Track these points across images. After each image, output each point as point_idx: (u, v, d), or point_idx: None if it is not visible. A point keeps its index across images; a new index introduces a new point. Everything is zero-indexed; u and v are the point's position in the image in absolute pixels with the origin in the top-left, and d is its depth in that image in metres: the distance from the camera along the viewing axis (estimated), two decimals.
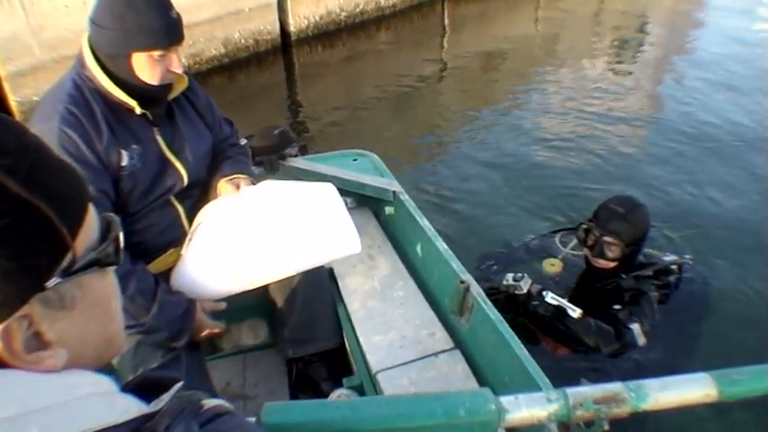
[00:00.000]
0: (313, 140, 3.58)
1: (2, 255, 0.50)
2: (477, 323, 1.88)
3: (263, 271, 1.84)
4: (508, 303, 2.57)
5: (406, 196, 2.52)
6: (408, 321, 2.04)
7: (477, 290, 1.92)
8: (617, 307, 2.49)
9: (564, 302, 2.39)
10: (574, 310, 2.36)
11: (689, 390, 1.11)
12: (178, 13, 1.65)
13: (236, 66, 6.99)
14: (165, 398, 0.60)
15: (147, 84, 1.66)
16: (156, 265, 1.87)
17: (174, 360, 0.66)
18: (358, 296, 2.19)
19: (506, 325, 1.74)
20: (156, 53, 1.62)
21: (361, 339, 1.99)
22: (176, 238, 1.88)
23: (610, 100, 5.87)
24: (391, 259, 2.40)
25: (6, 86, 5.29)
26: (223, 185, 1.94)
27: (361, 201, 2.74)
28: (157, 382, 0.63)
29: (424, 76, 6.83)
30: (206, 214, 1.85)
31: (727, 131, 5.02)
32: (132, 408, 0.57)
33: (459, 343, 1.93)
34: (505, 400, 1.02)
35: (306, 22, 7.64)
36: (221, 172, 1.98)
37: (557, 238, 2.99)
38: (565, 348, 2.48)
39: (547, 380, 1.50)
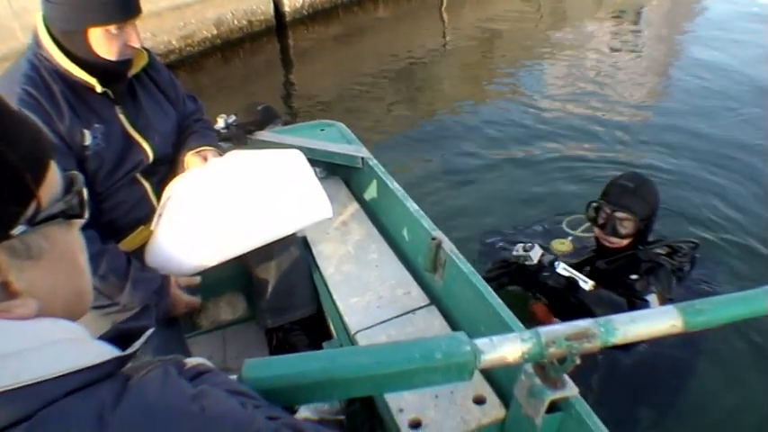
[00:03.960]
0: (310, 119, 3.54)
1: None
2: (450, 278, 1.91)
3: (235, 242, 1.85)
4: (518, 275, 2.50)
5: (375, 161, 2.53)
6: (384, 282, 2.07)
7: (449, 246, 1.94)
8: (633, 277, 2.39)
9: (576, 274, 2.31)
10: (586, 282, 2.28)
11: (656, 322, 1.15)
12: None
13: (228, 47, 6.86)
14: (138, 344, 0.61)
15: (105, 60, 1.64)
16: (126, 244, 1.86)
17: (143, 310, 0.66)
18: (333, 261, 2.21)
19: (479, 276, 1.78)
20: (113, 28, 1.59)
21: (338, 303, 2.01)
22: (145, 215, 1.87)
23: (612, 79, 5.76)
24: (364, 224, 2.41)
25: None
26: (190, 158, 1.93)
27: (331, 169, 2.74)
28: (130, 332, 0.64)
29: (423, 53, 6.72)
30: (174, 188, 1.84)
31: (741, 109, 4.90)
32: (105, 352, 0.58)
33: (434, 299, 1.96)
34: (480, 342, 1.05)
35: (300, 1, 7.51)
36: (188, 146, 1.97)
37: (564, 223, 2.89)
38: (556, 318, 2.41)
39: (520, 324, 1.54)
